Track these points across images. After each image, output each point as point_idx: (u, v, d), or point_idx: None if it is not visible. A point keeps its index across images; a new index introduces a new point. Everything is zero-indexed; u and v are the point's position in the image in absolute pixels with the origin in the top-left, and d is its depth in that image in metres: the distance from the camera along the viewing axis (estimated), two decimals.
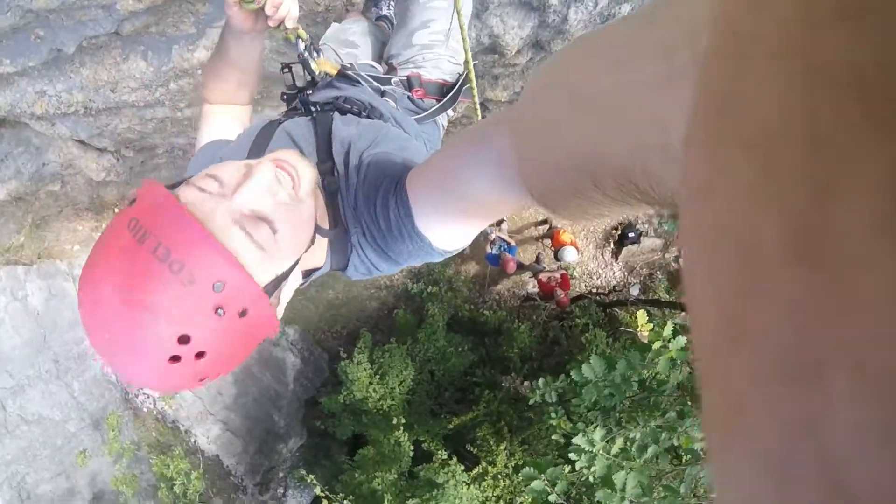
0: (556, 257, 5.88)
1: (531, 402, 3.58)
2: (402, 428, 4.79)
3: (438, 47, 1.44)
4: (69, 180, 4.36)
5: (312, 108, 1.07)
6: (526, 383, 3.97)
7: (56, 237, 5.20)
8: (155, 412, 5.76)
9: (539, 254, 6.41)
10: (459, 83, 1.41)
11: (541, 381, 3.56)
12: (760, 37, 0.13)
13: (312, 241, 0.79)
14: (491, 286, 6.36)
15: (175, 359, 0.63)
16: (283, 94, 1.20)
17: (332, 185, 0.89)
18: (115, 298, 0.61)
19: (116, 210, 5.37)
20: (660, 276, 6.84)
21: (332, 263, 0.89)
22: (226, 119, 1.14)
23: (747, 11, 0.13)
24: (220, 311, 0.63)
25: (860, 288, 0.10)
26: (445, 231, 0.79)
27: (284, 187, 0.73)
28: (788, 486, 0.12)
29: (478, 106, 1.56)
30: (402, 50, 1.46)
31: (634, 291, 6.79)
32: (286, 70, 1.16)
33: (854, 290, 0.10)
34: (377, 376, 5.39)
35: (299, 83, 1.16)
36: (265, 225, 0.69)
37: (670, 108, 0.29)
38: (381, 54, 1.62)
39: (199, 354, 0.64)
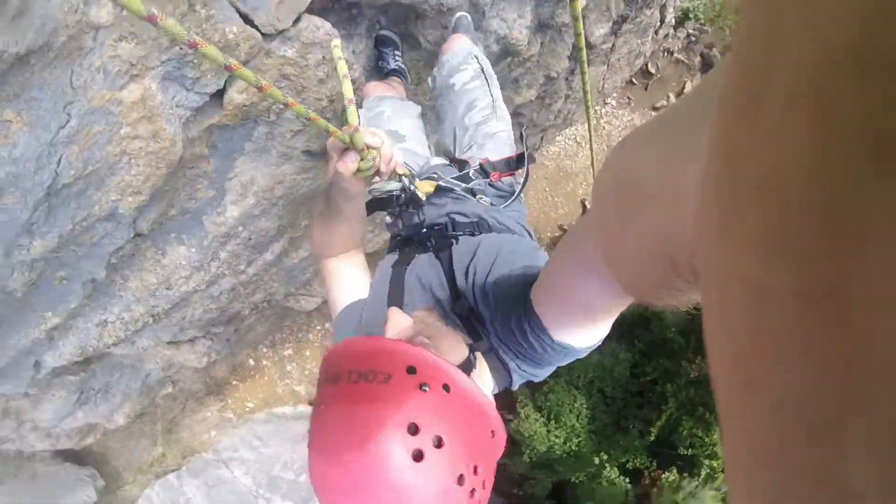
0: None
1: None
2: (606, 466, 4.20)
3: (491, 120, 1.52)
4: (178, 378, 4.47)
5: (429, 243, 1.15)
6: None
7: (191, 433, 5.36)
8: None
9: None
10: (525, 152, 1.43)
11: None
12: (774, 80, 0.12)
13: (469, 359, 0.88)
14: None
15: (418, 457, 0.64)
16: (396, 236, 1.28)
17: (465, 309, 0.98)
18: (340, 457, 0.65)
19: (234, 383, 5.50)
20: None
21: (499, 384, 0.96)
22: (350, 272, 1.20)
23: (762, 55, 0.13)
24: (424, 387, 0.68)
25: (873, 337, 0.10)
26: (583, 335, 0.82)
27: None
28: None
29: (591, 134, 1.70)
30: (460, 136, 1.54)
31: None
32: (397, 214, 1.27)
33: (867, 340, 0.10)
34: (552, 421, 4.87)
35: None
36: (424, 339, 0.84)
37: None
38: (423, 129, 1.71)
39: (438, 442, 0.65)
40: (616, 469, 4.42)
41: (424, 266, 1.09)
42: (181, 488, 5.08)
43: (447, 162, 1.53)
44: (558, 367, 0.95)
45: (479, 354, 0.92)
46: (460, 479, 0.67)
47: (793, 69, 0.12)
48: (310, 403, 6.04)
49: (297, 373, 6.15)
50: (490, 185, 1.40)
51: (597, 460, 4.81)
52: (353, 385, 0.68)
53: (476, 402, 0.74)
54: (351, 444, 0.65)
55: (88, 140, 1.81)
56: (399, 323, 0.88)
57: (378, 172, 1.01)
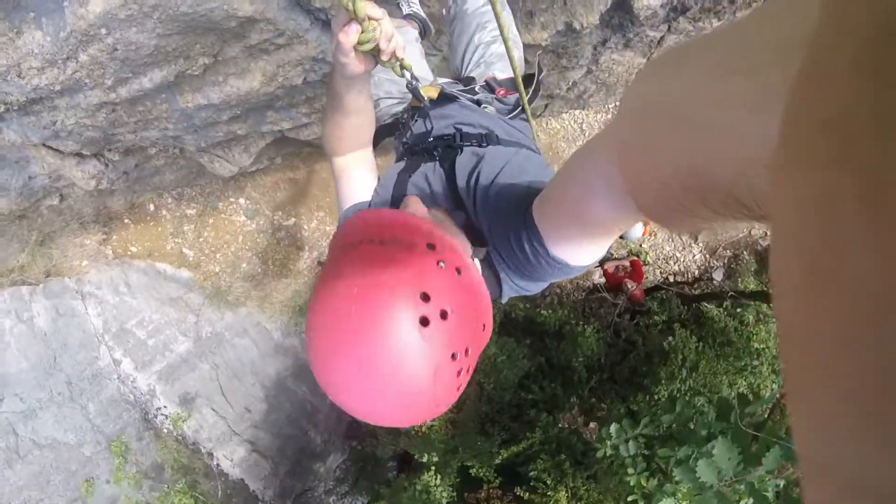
0: (620, 235, 4.62)
1: (600, 454, 2.45)
2: (433, 469, 3.82)
3: (500, 41, 1.48)
4: (68, 193, 4.15)
5: (435, 152, 1.15)
6: (592, 425, 2.84)
7: (63, 253, 4.92)
8: (175, 433, 5.28)
9: None
10: (537, 72, 1.44)
11: (613, 427, 2.45)
12: (843, 50, 0.15)
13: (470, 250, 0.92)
14: None
15: (424, 322, 0.67)
16: (404, 143, 1.26)
17: (461, 219, 1.00)
18: (351, 292, 0.67)
19: (125, 221, 5.01)
20: (746, 258, 5.57)
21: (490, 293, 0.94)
22: (357, 172, 1.17)
23: (834, 33, 0.16)
24: (441, 263, 0.72)
25: None
26: (578, 251, 0.82)
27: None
28: (881, 424, 0.13)
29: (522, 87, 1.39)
30: (469, 55, 1.56)
31: (718, 276, 5.59)
32: (415, 119, 1.27)
33: None
34: None
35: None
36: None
37: (770, 125, 0.26)
38: (422, 54, 1.73)
39: (444, 315, 0.69)
40: (440, 479, 4.04)
41: (429, 174, 1.11)
42: (30, 304, 4.68)
43: (452, 80, 1.52)
44: None
45: (476, 260, 0.92)
46: (453, 356, 0.71)
47: (857, 44, 0.14)
48: (192, 270, 5.57)
49: (192, 235, 5.58)
50: (497, 100, 1.39)
51: (443, 449, 4.48)
52: (374, 247, 0.70)
53: (480, 292, 0.79)
54: (364, 285, 0.67)
55: None
56: (417, 210, 0.90)
57: (379, 52, 0.94)
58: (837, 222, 0.14)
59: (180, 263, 5.72)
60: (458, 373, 0.72)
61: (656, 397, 3.90)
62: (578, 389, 4.27)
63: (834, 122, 0.15)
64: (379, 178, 1.19)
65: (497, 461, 4.18)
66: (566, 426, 3.61)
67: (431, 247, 0.72)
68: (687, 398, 3.94)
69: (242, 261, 5.36)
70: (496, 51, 1.52)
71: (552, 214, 0.79)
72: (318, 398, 5.72)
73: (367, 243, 0.72)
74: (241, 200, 5.24)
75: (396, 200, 1.06)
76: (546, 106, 4.92)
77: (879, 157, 0.13)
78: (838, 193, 0.14)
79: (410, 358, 0.66)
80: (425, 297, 0.67)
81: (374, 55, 0.95)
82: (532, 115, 1.43)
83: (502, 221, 0.90)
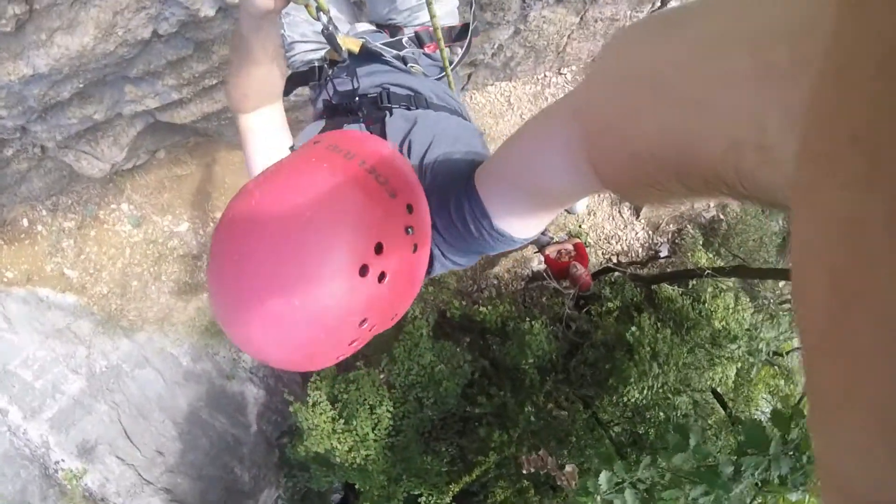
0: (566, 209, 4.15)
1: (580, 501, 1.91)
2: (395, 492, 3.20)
3: None
4: None
5: (360, 112, 1.07)
6: (568, 468, 2.30)
7: None
8: (80, 489, 4.48)
9: None
10: (471, 24, 1.36)
11: (603, 477, 1.86)
12: (869, 53, 0.15)
13: None
14: (486, 269, 4.63)
15: (364, 271, 0.62)
16: (325, 100, 1.17)
17: None
18: (304, 201, 0.60)
19: None
20: (691, 231, 5.24)
21: None
22: (268, 129, 1.09)
23: (857, 34, 0.15)
24: (409, 230, 0.67)
25: None
26: (523, 223, 0.78)
27: None
28: None
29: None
30: (394, 4, 1.38)
31: (664, 252, 5.22)
32: (338, 75, 1.17)
33: None
34: (341, 420, 3.80)
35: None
36: None
37: (769, 107, 0.28)
38: (354, 14, 1.56)
39: (381, 277, 0.64)
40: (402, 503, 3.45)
41: None
42: None
43: (376, 29, 1.40)
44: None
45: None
46: (362, 322, 0.66)
47: (883, 47, 0.14)
48: (77, 294, 4.76)
49: (73, 253, 4.76)
50: (425, 55, 1.32)
51: (384, 480, 3.85)
52: (365, 173, 0.65)
53: (417, 280, 0.74)
54: (325, 201, 0.62)
55: None
56: None
57: None
58: (865, 245, 0.14)
59: (64, 287, 4.90)
60: (351, 342, 0.67)
61: (625, 399, 3.41)
62: (531, 395, 3.73)
63: (863, 137, 0.14)
64: (295, 139, 1.10)
65: (449, 496, 3.58)
66: (532, 470, 3.04)
67: (410, 208, 0.68)
68: (666, 399, 3.46)
69: (132, 278, 4.57)
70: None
71: (500, 185, 0.75)
72: (240, 429, 4.99)
73: (349, 157, 0.66)
74: (124, 206, 4.44)
75: None
76: (469, 76, 4.35)
77: None
78: (866, 215, 0.14)
79: (327, 295, 0.60)
80: (378, 250, 0.63)
81: None
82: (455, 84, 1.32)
83: (440, 192, 0.84)
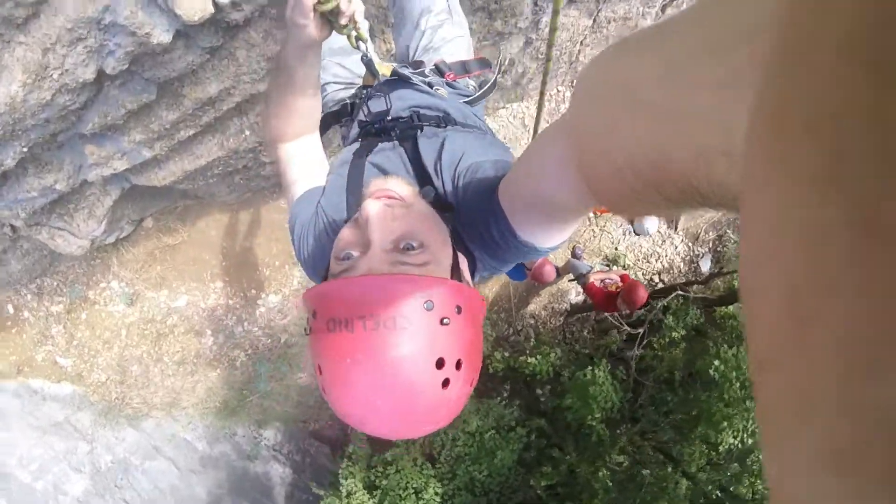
0: (634, 231, 4.12)
1: None
2: None
3: (447, 24, 1.51)
4: None
5: (393, 132, 1.11)
6: None
7: None
8: None
9: (574, 246, 4.10)
10: (497, 67, 1.47)
11: None
12: (825, 34, 0.13)
13: (448, 229, 0.85)
14: (521, 309, 4.11)
15: (446, 383, 0.66)
16: (360, 122, 1.24)
17: (430, 194, 0.93)
18: (367, 380, 0.65)
19: None
20: (732, 236, 4.71)
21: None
22: (307, 156, 1.12)
23: (812, 12, 0.14)
24: (445, 321, 0.68)
25: None
26: (547, 234, 0.81)
27: (395, 206, 0.80)
28: (861, 483, 0.12)
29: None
30: (415, 40, 1.52)
31: (705, 265, 4.68)
32: (371, 96, 1.26)
33: None
34: None
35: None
36: (408, 241, 0.75)
37: (733, 110, 0.28)
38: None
39: (458, 364, 0.68)
40: None
41: (387, 153, 1.07)
42: None
43: (402, 64, 1.46)
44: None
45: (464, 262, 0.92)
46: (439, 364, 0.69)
47: (844, 27, 0.13)
48: (74, 383, 4.31)
49: (63, 339, 4.29)
50: (447, 84, 1.38)
51: None
52: (371, 332, 0.66)
53: (477, 304, 0.76)
54: (383, 371, 0.65)
55: None
56: (398, 187, 0.85)
57: (338, 14, 0.92)
58: (824, 254, 0.13)
59: (58, 377, 4.44)
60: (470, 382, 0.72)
61: (720, 448, 2.88)
62: (602, 455, 3.18)
63: (821, 126, 0.13)
64: (332, 164, 1.13)
65: None
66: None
67: (431, 304, 0.68)
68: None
69: (132, 362, 4.08)
70: (443, 35, 1.49)
71: (517, 199, 0.77)
72: None
73: (361, 328, 0.66)
74: (114, 284, 3.97)
75: (353, 183, 1.01)
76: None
77: (876, 180, 0.12)
78: (826, 218, 0.13)
79: (438, 404, 0.67)
80: (440, 364, 0.66)
81: (332, 21, 0.93)
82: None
83: (470, 205, 0.88)
